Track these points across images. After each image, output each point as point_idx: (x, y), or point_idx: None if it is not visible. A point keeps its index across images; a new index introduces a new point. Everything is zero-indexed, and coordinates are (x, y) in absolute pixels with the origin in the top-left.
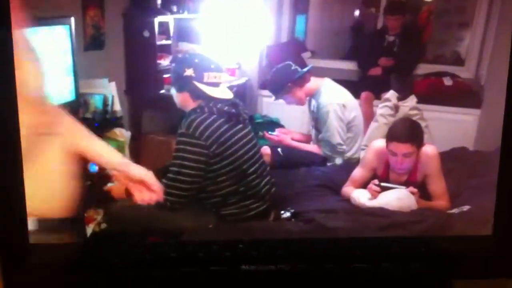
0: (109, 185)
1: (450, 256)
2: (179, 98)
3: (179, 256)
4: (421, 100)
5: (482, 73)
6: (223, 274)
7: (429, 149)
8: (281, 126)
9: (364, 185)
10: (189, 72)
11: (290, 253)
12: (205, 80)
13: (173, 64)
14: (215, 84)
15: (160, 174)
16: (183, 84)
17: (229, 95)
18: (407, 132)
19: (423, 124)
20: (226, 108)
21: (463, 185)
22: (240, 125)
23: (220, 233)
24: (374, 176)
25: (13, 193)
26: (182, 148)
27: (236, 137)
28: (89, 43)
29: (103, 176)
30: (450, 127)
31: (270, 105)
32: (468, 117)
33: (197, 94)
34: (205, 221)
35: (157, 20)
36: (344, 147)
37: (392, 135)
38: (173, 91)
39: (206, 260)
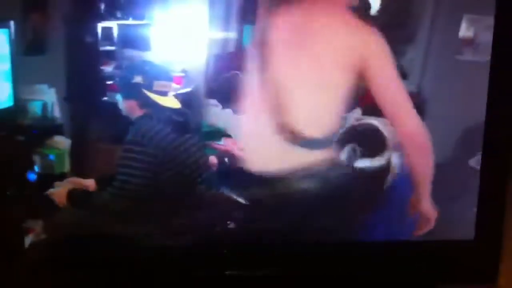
0: (51, 190)
1: (433, 260)
2: (126, 105)
3: (163, 261)
4: (366, 112)
5: (425, 86)
6: (208, 280)
7: None
8: (228, 135)
9: None
10: (138, 79)
11: (276, 258)
12: (154, 88)
13: (121, 70)
14: (164, 93)
15: (102, 183)
16: (131, 91)
17: (177, 104)
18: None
19: None
20: (174, 117)
21: None
22: (188, 135)
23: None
24: None
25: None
26: (130, 156)
27: (184, 147)
28: (30, 47)
29: (42, 185)
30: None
31: (217, 114)
32: None
33: (145, 102)
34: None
35: (101, 25)
36: None
37: None
38: (119, 98)
39: (190, 266)
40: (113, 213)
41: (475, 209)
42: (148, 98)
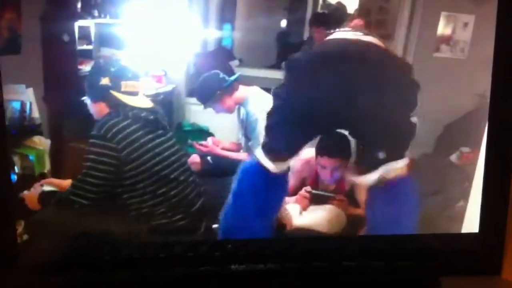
0: (25, 192)
1: (438, 253)
2: (95, 108)
3: (168, 256)
4: None
5: None
6: (212, 275)
7: None
8: (211, 134)
9: (293, 194)
10: (105, 81)
11: (279, 252)
12: (122, 89)
13: (88, 73)
14: (133, 93)
15: None
16: (99, 93)
17: (147, 104)
18: (336, 147)
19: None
20: (143, 114)
21: None
22: (159, 131)
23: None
24: (303, 184)
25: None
26: (92, 150)
27: (153, 143)
28: (5, 46)
29: (22, 185)
30: None
31: (198, 113)
32: None
33: (114, 104)
34: (136, 231)
35: (77, 24)
36: None
37: (321, 150)
38: (88, 101)
39: (195, 260)
40: (77, 207)
41: (462, 203)
42: (116, 99)
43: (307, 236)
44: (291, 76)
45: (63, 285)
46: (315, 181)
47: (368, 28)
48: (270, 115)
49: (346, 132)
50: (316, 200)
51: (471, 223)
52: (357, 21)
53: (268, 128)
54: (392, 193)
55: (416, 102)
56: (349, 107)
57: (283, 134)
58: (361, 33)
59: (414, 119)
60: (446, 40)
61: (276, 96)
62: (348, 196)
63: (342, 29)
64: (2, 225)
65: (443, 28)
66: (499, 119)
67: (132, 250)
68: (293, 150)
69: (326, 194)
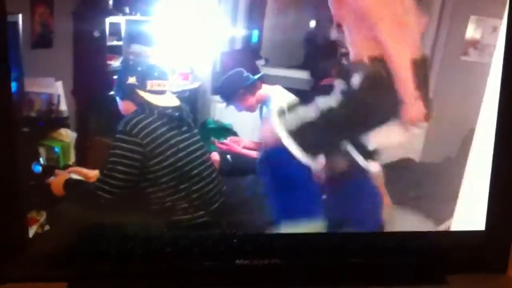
0: (50, 179)
1: (444, 251)
2: (123, 106)
3: (173, 250)
4: None
5: (429, 87)
6: (217, 269)
7: (374, 168)
8: (234, 132)
9: None
10: (131, 80)
11: (285, 248)
12: (148, 88)
13: (117, 72)
14: (160, 92)
15: None
16: (126, 92)
17: (174, 102)
18: None
19: None
20: (168, 111)
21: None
22: (184, 128)
23: None
24: None
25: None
26: (118, 145)
27: (176, 139)
28: (37, 41)
29: (47, 176)
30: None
31: (223, 111)
32: (415, 129)
33: (140, 102)
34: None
35: (108, 20)
36: None
37: None
38: (117, 99)
39: (201, 255)
40: (103, 202)
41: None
42: (142, 98)
43: (313, 232)
44: None
45: (76, 276)
46: None
47: None
48: None
49: None
50: None
51: (477, 220)
52: None
53: None
54: None
55: None
56: None
57: None
58: None
59: None
60: (474, 44)
61: None
62: None
63: None
64: (15, 215)
65: (472, 32)
66: (508, 116)
67: (139, 243)
68: None
69: None
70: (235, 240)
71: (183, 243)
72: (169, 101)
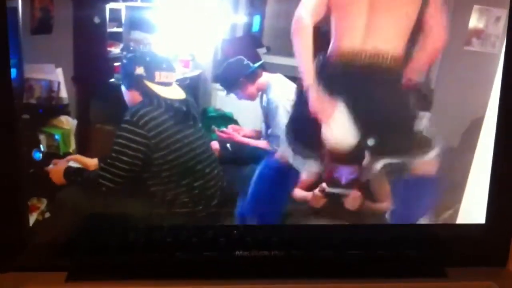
0: (50, 167)
1: (444, 243)
2: (129, 95)
3: (173, 241)
4: None
5: (432, 76)
6: (217, 260)
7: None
8: (234, 120)
9: (311, 186)
10: (139, 70)
11: (285, 239)
12: (156, 79)
13: (123, 61)
14: (167, 84)
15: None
16: (133, 82)
17: (180, 95)
18: (349, 155)
19: None
20: (176, 105)
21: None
22: (189, 123)
23: None
24: (319, 180)
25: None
26: (123, 135)
27: (182, 134)
28: (37, 27)
29: (46, 164)
30: None
31: (223, 99)
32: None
33: (146, 93)
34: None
35: (109, 6)
36: None
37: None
38: (123, 88)
39: (200, 246)
40: (104, 190)
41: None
42: (149, 89)
43: (313, 224)
44: None
45: (74, 266)
46: (332, 173)
47: None
48: None
49: None
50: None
51: (477, 213)
52: None
53: None
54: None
55: None
56: None
57: None
58: None
59: None
60: (478, 34)
61: None
62: (364, 189)
63: None
64: (16, 204)
65: (475, 22)
66: (509, 109)
67: (139, 233)
68: None
69: (342, 192)
70: (235, 232)
71: (184, 234)
72: (175, 93)
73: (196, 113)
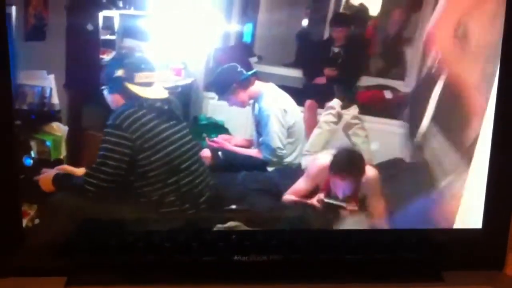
0: (39, 176)
1: (441, 247)
2: (112, 99)
3: (172, 245)
4: (363, 110)
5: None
6: (216, 265)
7: (370, 172)
8: (225, 129)
9: (306, 196)
10: (119, 73)
11: (283, 244)
12: (136, 80)
13: (105, 65)
14: (148, 84)
15: None
16: (114, 85)
17: (162, 94)
18: (350, 167)
19: (363, 134)
20: (157, 104)
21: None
22: (173, 122)
23: None
24: (316, 188)
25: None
26: (107, 140)
27: (166, 133)
28: (31, 33)
29: (38, 169)
30: (389, 139)
31: (215, 108)
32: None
33: (128, 95)
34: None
35: (102, 14)
36: (284, 151)
37: (335, 169)
38: (105, 93)
39: (199, 250)
40: (92, 196)
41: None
42: (130, 91)
43: (311, 228)
44: None
45: (68, 268)
46: (329, 187)
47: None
48: None
49: None
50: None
51: (474, 217)
52: None
53: None
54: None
55: None
56: None
57: None
58: None
59: None
60: None
61: None
62: (361, 202)
63: None
64: (10, 208)
65: None
66: (506, 110)
67: (137, 237)
68: None
69: (339, 204)
70: (233, 236)
71: (182, 238)
72: (157, 92)
73: (178, 112)
